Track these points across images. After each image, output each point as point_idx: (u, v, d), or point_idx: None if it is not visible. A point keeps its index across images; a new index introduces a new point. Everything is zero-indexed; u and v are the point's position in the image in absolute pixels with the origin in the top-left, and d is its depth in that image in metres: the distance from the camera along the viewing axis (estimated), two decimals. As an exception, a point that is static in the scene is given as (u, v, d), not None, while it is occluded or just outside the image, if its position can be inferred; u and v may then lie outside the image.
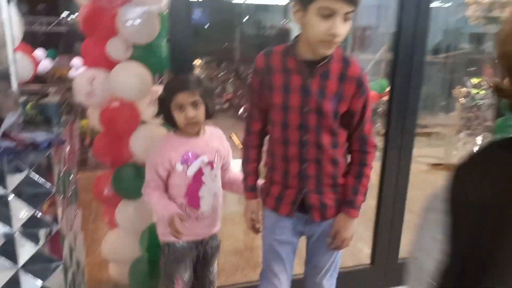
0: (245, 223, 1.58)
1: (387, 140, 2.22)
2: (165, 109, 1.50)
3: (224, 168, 1.71)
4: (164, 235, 1.60)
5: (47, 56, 9.41)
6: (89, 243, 2.85)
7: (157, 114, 1.57)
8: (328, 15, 1.16)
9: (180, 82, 1.50)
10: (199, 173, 1.54)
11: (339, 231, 1.43)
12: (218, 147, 1.61)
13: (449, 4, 6.92)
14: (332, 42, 1.21)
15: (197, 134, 1.56)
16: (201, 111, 1.48)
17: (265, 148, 1.55)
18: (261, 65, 1.37)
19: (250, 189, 1.53)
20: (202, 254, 1.68)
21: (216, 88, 1.64)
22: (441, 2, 7.61)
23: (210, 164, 1.57)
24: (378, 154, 2.36)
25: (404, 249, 2.86)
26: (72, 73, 5.21)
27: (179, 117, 1.47)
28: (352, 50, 8.98)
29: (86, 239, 2.86)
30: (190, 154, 1.52)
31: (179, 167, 1.51)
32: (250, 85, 1.45)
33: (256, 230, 1.57)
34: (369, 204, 2.57)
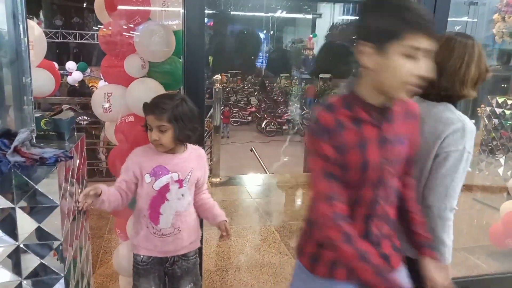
0: None
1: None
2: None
3: (198, 189, 1.68)
4: (133, 247, 1.66)
5: (78, 68, 9.83)
6: (103, 253, 2.92)
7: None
8: (414, 55, 1.01)
9: (150, 105, 1.51)
10: (164, 188, 1.54)
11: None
12: (193, 167, 1.60)
13: (476, 20, 6.78)
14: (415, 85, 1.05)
15: (173, 151, 1.57)
16: (166, 136, 1.48)
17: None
18: (331, 123, 1.10)
19: (385, 270, 1.11)
20: (170, 273, 1.68)
21: (197, 112, 1.52)
22: (469, 18, 7.47)
23: (179, 182, 1.56)
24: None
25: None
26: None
27: (149, 136, 1.52)
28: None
29: (100, 250, 2.94)
30: (160, 169, 1.54)
31: (148, 178, 1.54)
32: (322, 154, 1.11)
33: None
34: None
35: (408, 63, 1.01)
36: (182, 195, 1.59)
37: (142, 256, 1.63)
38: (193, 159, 1.62)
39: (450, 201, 1.36)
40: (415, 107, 1.22)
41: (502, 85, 5.63)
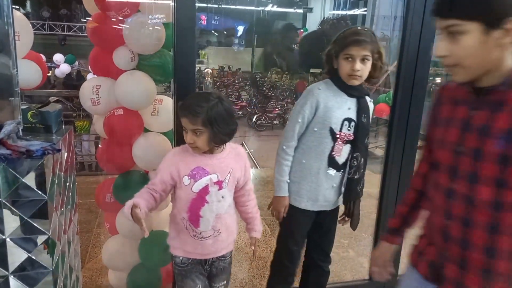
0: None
1: (388, 152, 2.21)
2: (180, 126, 1.50)
3: (240, 190, 1.63)
4: (171, 248, 1.61)
5: (66, 61, 9.68)
6: (92, 248, 2.90)
7: None
8: None
9: (184, 107, 1.43)
10: (204, 191, 1.49)
11: None
12: (233, 167, 1.54)
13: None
14: None
15: (212, 151, 1.51)
16: (201, 139, 1.42)
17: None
18: (436, 97, 1.18)
19: (387, 231, 1.36)
20: (209, 272, 1.67)
21: (234, 113, 1.50)
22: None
23: (219, 184, 1.51)
24: (379, 167, 2.36)
25: (404, 265, 2.82)
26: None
27: (185, 138, 1.48)
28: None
29: (89, 244, 2.92)
30: (198, 170, 1.49)
31: (186, 180, 1.48)
32: (428, 121, 1.21)
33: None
34: (372, 218, 2.55)
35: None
36: (222, 197, 1.53)
37: (181, 258, 1.58)
38: (232, 158, 1.55)
39: (282, 141, 1.78)
40: None
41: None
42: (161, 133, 2.07)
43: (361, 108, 1.75)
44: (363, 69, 1.66)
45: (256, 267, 2.77)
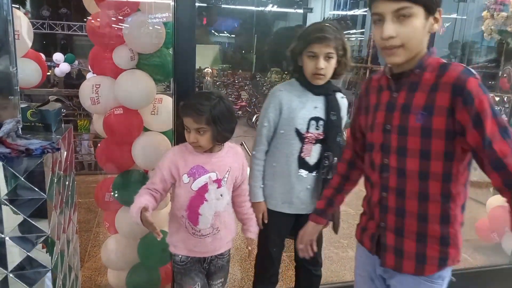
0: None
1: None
2: (181, 126, 1.51)
3: (237, 189, 1.65)
4: (171, 246, 1.61)
5: (65, 60, 9.66)
6: (91, 247, 2.90)
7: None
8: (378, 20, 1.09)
9: (187, 107, 1.46)
10: (203, 189, 1.51)
11: None
12: (231, 166, 1.56)
13: (464, 17, 6.85)
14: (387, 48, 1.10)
15: (211, 150, 1.53)
16: (204, 137, 1.44)
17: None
18: (363, 88, 1.32)
19: (314, 211, 1.48)
20: (207, 270, 1.67)
21: (234, 111, 1.52)
22: (459, 15, 7.53)
23: (218, 182, 1.53)
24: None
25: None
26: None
27: (187, 137, 1.49)
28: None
29: (88, 243, 2.92)
30: (198, 168, 1.51)
31: (186, 178, 1.50)
32: (353, 111, 1.38)
33: (303, 252, 1.51)
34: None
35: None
36: (221, 195, 1.55)
37: (180, 256, 1.58)
38: (230, 157, 1.58)
39: (253, 146, 1.78)
40: (450, 77, 1.06)
41: (490, 82, 5.70)
42: (160, 132, 2.07)
43: (330, 106, 1.70)
44: (327, 67, 1.62)
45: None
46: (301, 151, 1.71)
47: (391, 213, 1.17)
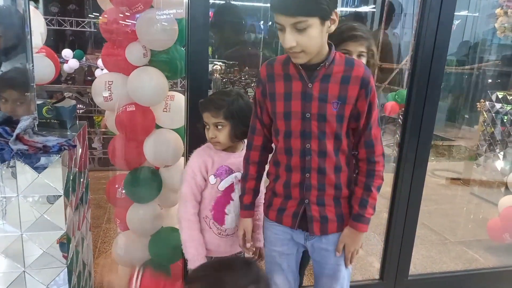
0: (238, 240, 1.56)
1: (402, 151, 2.17)
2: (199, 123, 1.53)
3: None
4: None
5: (74, 56, 9.67)
6: (101, 243, 2.91)
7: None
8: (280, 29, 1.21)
9: (206, 102, 1.49)
10: (229, 189, 1.54)
11: (347, 245, 1.39)
12: None
13: (477, 14, 6.75)
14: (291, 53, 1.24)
15: (234, 150, 1.56)
16: (223, 133, 1.47)
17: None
18: (264, 74, 1.37)
19: (245, 208, 1.50)
20: None
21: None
22: (470, 12, 7.43)
23: None
24: (392, 166, 2.34)
25: (415, 265, 2.80)
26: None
27: (206, 134, 1.50)
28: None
29: (98, 239, 2.92)
30: (224, 169, 1.53)
31: (212, 179, 1.52)
32: (254, 97, 1.43)
33: (247, 249, 1.56)
34: (381, 217, 2.53)
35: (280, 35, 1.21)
36: None
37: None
38: None
39: None
40: (358, 72, 1.27)
41: (502, 80, 5.63)
42: (172, 129, 2.06)
43: None
44: None
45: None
46: None
47: (314, 189, 1.35)
